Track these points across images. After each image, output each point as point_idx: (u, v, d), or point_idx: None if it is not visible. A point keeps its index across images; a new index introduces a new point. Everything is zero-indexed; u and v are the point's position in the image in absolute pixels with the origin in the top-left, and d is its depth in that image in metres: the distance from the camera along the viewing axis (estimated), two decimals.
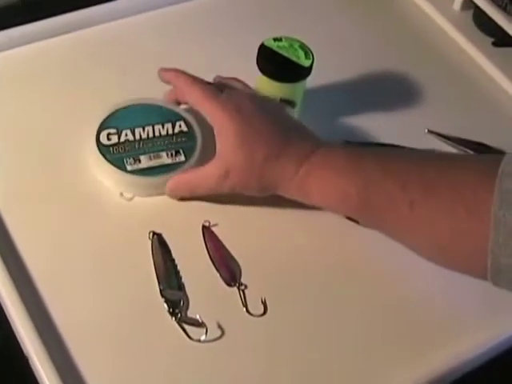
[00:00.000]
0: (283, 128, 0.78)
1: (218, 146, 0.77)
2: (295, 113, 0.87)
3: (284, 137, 0.77)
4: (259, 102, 0.80)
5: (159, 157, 0.80)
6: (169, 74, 0.82)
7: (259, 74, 0.84)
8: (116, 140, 0.81)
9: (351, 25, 1.03)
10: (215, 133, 0.77)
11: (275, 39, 0.84)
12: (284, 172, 0.75)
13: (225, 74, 0.85)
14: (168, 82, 0.83)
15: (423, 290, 0.78)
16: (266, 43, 0.84)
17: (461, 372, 0.74)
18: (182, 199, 0.81)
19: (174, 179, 0.79)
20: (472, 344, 0.74)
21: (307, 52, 0.84)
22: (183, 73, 0.81)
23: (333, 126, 0.89)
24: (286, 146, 0.76)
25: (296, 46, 0.84)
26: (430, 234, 0.71)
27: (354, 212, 0.76)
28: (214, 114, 0.77)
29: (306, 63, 0.83)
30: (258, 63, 0.84)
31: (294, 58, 0.83)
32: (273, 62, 0.83)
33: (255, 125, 0.77)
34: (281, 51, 0.84)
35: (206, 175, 0.78)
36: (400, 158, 0.75)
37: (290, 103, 0.86)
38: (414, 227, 0.71)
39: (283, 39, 0.85)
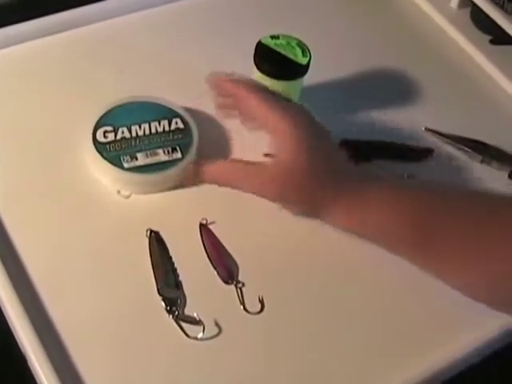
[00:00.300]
0: (336, 149, 0.77)
1: (279, 151, 0.73)
2: None
3: (345, 164, 0.75)
4: (314, 119, 0.77)
5: (156, 154, 0.80)
6: (226, 84, 0.79)
7: (256, 71, 0.84)
8: (112, 137, 0.81)
9: (349, 23, 1.03)
10: (278, 138, 0.74)
11: (272, 37, 0.84)
12: (340, 195, 0.73)
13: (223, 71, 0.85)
14: (217, 89, 0.80)
15: (421, 289, 0.78)
16: (263, 41, 0.84)
17: (457, 370, 0.74)
18: (181, 197, 0.81)
19: (217, 166, 0.76)
20: (467, 342, 0.74)
21: (304, 50, 0.84)
22: (239, 81, 0.79)
23: (330, 124, 0.88)
24: (348, 173, 0.74)
25: (293, 43, 0.84)
26: (483, 272, 0.70)
27: (407, 248, 0.73)
28: (281, 120, 0.74)
29: (304, 61, 0.83)
30: (255, 61, 0.84)
31: (291, 56, 0.83)
32: (270, 60, 0.83)
33: (322, 141, 0.75)
34: (278, 49, 0.84)
35: (262, 174, 0.74)
36: (451, 193, 0.74)
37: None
38: (466, 264, 0.71)
39: (280, 37, 0.84)
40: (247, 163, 0.76)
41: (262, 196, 0.75)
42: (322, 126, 0.77)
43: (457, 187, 0.77)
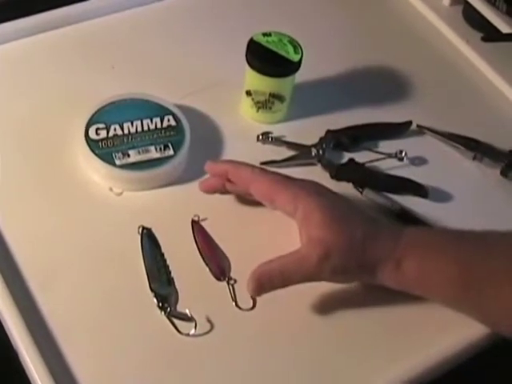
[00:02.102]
0: (366, 211, 0.75)
1: (309, 230, 0.71)
2: (284, 107, 0.87)
3: (371, 217, 0.74)
4: (326, 189, 0.75)
5: (148, 151, 0.80)
6: (225, 166, 0.77)
7: (248, 69, 0.84)
8: (105, 135, 0.81)
9: (342, 20, 1.03)
10: (299, 220, 0.72)
11: (264, 34, 0.85)
12: (383, 249, 0.71)
13: (214, 69, 0.85)
14: (220, 175, 0.77)
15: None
16: (255, 38, 0.84)
17: (439, 373, 0.74)
18: (173, 194, 0.81)
19: (264, 270, 0.72)
20: (457, 340, 0.75)
21: (296, 47, 0.84)
22: (241, 163, 0.76)
23: (322, 120, 0.89)
24: (378, 225, 0.73)
25: (285, 40, 0.84)
26: None
27: (455, 291, 0.71)
28: (296, 200, 0.72)
29: (296, 58, 0.83)
30: (247, 58, 0.84)
31: (283, 53, 0.83)
32: (262, 57, 0.83)
33: (344, 206, 0.73)
34: (270, 46, 0.84)
35: (303, 259, 0.71)
36: (494, 236, 0.73)
37: (279, 98, 0.86)
38: None
39: (272, 34, 0.85)
40: (290, 256, 0.72)
41: (316, 280, 0.72)
42: (335, 193, 0.75)
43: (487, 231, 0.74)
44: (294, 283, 0.71)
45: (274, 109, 0.87)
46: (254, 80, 0.85)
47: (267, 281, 0.72)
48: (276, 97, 0.85)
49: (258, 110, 0.87)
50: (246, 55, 0.84)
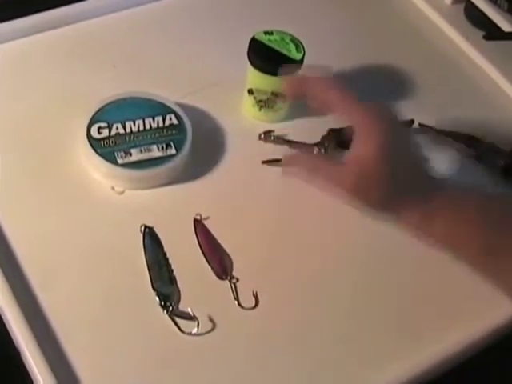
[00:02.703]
0: (414, 153, 0.75)
1: (360, 147, 0.72)
2: (286, 106, 0.87)
3: (423, 170, 0.74)
4: (396, 119, 0.76)
5: (150, 150, 0.80)
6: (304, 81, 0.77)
7: (250, 67, 0.84)
8: (107, 133, 0.81)
9: (343, 19, 1.02)
10: (360, 134, 0.72)
11: (266, 33, 0.84)
12: (413, 199, 0.72)
13: (216, 68, 0.85)
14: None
15: (414, 284, 0.78)
16: (256, 37, 0.84)
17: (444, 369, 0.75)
18: (175, 193, 0.81)
19: (302, 156, 0.78)
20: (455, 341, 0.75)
21: (298, 45, 0.84)
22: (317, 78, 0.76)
23: (324, 119, 0.89)
24: (424, 178, 0.73)
25: (287, 39, 0.84)
26: None
27: (478, 249, 0.72)
28: (366, 114, 0.73)
29: (298, 56, 0.83)
30: (249, 57, 0.84)
31: (285, 52, 0.83)
32: (264, 56, 0.83)
33: (403, 146, 0.74)
34: (272, 45, 0.84)
35: (339, 167, 0.73)
36: None
37: (281, 96, 0.85)
38: None
39: (274, 33, 0.85)
40: (326, 159, 0.76)
41: (338, 187, 0.73)
42: (402, 126, 0.76)
43: None
44: (316, 181, 0.75)
45: (276, 107, 0.87)
46: (255, 79, 0.85)
47: (299, 162, 0.77)
48: (278, 95, 0.85)
49: (260, 109, 0.87)
50: (248, 54, 0.84)
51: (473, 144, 0.89)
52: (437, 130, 0.90)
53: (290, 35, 0.85)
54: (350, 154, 0.73)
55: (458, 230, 0.72)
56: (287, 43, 0.84)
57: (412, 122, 0.89)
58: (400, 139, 0.74)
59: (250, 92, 0.86)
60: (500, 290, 0.73)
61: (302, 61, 0.83)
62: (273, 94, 0.85)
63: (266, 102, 0.86)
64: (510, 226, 0.72)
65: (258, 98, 0.86)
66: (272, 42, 0.84)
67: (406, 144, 0.75)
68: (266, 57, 0.83)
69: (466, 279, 0.76)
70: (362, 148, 0.72)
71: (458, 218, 0.72)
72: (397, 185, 0.72)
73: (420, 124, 0.90)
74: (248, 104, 0.88)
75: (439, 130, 0.90)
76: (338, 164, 0.74)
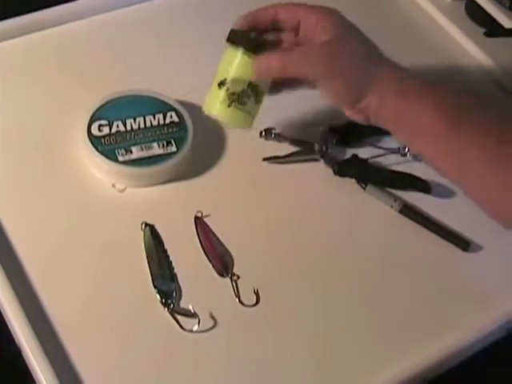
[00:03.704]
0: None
1: (322, 36, 0.75)
2: (255, 110, 0.79)
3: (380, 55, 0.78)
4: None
5: (151, 147, 0.80)
6: (266, 10, 0.78)
7: (228, 51, 0.77)
8: (107, 131, 0.81)
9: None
10: (319, 29, 0.75)
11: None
12: (387, 70, 0.76)
13: (216, 66, 0.85)
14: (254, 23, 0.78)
15: (414, 285, 0.78)
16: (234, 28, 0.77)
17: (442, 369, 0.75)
18: (176, 191, 0.81)
19: (267, 56, 0.75)
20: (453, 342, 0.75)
21: None
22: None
23: (325, 116, 0.89)
24: (383, 59, 0.78)
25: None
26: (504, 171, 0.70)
27: (443, 124, 0.73)
28: (320, 12, 0.77)
29: None
30: (229, 36, 0.76)
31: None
32: (247, 37, 0.76)
33: (358, 34, 0.78)
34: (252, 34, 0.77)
35: (309, 51, 0.75)
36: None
37: (256, 92, 0.77)
38: (498, 163, 0.71)
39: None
40: (291, 50, 0.76)
41: (310, 74, 0.75)
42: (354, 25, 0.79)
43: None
44: (291, 73, 0.75)
45: (247, 108, 0.77)
46: (234, 63, 0.76)
47: (267, 65, 0.75)
48: (254, 90, 0.77)
49: (229, 105, 0.76)
50: (228, 37, 0.76)
51: None
52: None
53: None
54: (314, 42, 0.75)
55: (425, 103, 0.73)
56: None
57: None
58: (352, 26, 0.78)
59: (222, 84, 0.76)
60: (456, 170, 0.74)
61: None
62: (250, 85, 0.77)
63: (239, 96, 0.77)
64: (476, 104, 0.74)
65: (232, 89, 0.76)
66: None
67: (351, 24, 0.79)
68: (249, 38, 0.76)
69: (459, 282, 0.78)
70: (323, 35, 0.75)
71: (425, 93, 0.74)
72: (370, 58, 0.76)
73: None
74: (214, 100, 0.77)
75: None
76: (306, 48, 0.76)
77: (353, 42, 0.76)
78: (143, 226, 0.77)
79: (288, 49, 0.77)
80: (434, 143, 0.74)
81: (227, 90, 0.76)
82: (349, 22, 0.78)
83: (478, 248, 0.81)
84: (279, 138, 0.87)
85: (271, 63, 0.75)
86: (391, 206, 0.83)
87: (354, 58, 0.75)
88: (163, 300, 0.73)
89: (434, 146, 0.74)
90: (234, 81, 0.76)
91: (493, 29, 1.01)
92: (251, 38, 0.76)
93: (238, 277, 0.75)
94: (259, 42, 0.76)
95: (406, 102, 0.73)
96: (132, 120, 0.82)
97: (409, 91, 0.74)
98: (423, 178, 0.84)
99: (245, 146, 0.86)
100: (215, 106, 0.77)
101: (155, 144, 0.81)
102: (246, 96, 0.76)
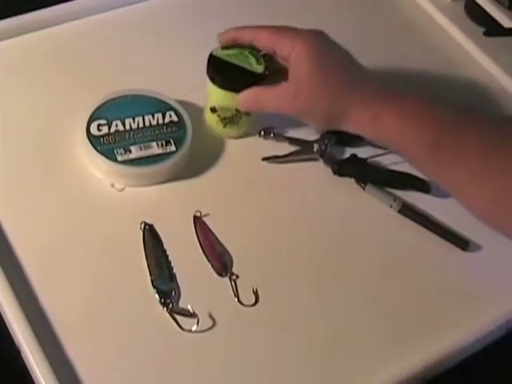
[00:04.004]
0: (355, 64, 0.80)
1: (294, 70, 0.77)
2: (249, 119, 0.85)
3: (358, 71, 0.79)
4: (329, 39, 0.80)
5: (150, 147, 0.80)
6: (229, 33, 0.82)
7: (210, 84, 0.82)
8: (106, 131, 0.81)
9: (342, 15, 1.02)
10: (292, 59, 0.77)
11: (224, 47, 0.82)
12: (357, 103, 0.76)
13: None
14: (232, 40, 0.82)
15: (413, 286, 0.78)
16: (214, 53, 0.81)
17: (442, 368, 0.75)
18: (175, 190, 0.81)
19: (245, 93, 0.80)
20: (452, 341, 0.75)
21: (258, 58, 0.81)
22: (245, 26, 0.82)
23: None
24: (362, 80, 0.78)
25: (246, 52, 0.81)
26: (498, 185, 0.72)
27: (426, 149, 0.75)
28: (294, 40, 0.77)
29: (259, 69, 0.81)
30: (208, 74, 0.81)
31: (245, 66, 0.81)
32: (225, 72, 0.81)
33: (333, 56, 0.78)
34: (231, 59, 0.81)
35: (276, 93, 0.79)
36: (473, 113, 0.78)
37: (246, 112, 0.83)
38: (482, 177, 0.72)
39: (231, 46, 0.81)
40: (269, 88, 0.80)
41: (285, 113, 0.79)
42: (334, 42, 0.80)
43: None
44: (266, 111, 0.81)
45: (241, 122, 0.84)
46: (218, 96, 0.82)
47: (245, 102, 0.81)
48: (243, 111, 0.83)
49: (224, 126, 0.85)
50: (208, 71, 0.81)
51: None
52: None
53: (249, 48, 0.81)
54: (289, 79, 0.78)
55: (406, 127, 0.75)
56: (246, 56, 0.81)
57: None
58: (331, 53, 0.79)
59: (214, 110, 0.83)
60: (446, 187, 0.76)
61: (263, 73, 0.81)
62: (237, 110, 0.83)
63: (230, 119, 0.84)
64: (457, 121, 0.75)
65: (222, 115, 0.83)
66: (231, 56, 0.81)
67: (339, 54, 0.79)
68: (227, 73, 0.80)
69: (458, 281, 0.78)
70: (296, 71, 0.77)
71: (406, 115, 0.75)
72: (339, 89, 0.77)
73: None
74: (212, 121, 0.85)
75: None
76: (279, 88, 0.79)
77: (327, 75, 0.77)
78: (142, 225, 0.77)
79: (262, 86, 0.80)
80: (420, 163, 0.77)
81: (218, 115, 0.84)
82: (326, 47, 0.79)
83: (477, 247, 0.81)
84: (278, 137, 0.87)
85: (248, 104, 0.81)
86: (390, 206, 0.83)
87: (327, 91, 0.77)
88: (162, 300, 0.72)
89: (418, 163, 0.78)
90: (222, 109, 0.83)
91: (492, 28, 1.01)
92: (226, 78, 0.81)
93: (237, 276, 0.75)
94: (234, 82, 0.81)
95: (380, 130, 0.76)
96: (131, 119, 0.82)
97: (385, 119, 0.76)
98: (422, 177, 0.84)
99: (244, 146, 0.86)
100: (212, 125, 0.86)
101: (154, 143, 0.80)
102: (237, 117, 0.84)
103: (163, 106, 0.83)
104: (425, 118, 0.75)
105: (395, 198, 0.83)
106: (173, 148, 0.81)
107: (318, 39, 0.78)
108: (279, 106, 0.79)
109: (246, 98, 0.80)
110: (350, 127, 0.78)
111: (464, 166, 0.73)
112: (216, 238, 0.78)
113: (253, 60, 0.81)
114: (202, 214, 0.79)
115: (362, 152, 0.86)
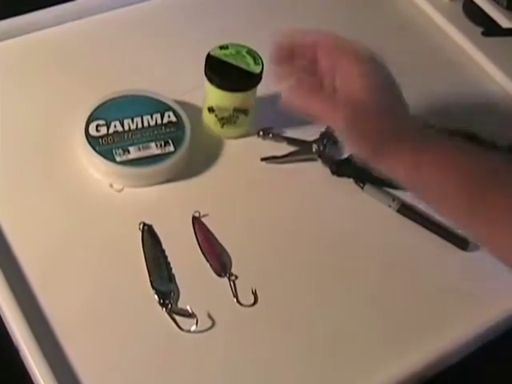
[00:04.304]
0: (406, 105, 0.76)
1: (351, 87, 0.71)
2: (248, 120, 0.85)
3: (414, 118, 0.75)
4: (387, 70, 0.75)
5: (148, 147, 0.80)
6: (305, 38, 0.75)
7: (208, 84, 0.82)
8: (105, 131, 0.81)
9: (340, 15, 1.02)
10: (349, 77, 0.72)
11: (221, 47, 0.82)
12: (405, 143, 0.72)
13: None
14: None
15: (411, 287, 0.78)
16: (212, 53, 0.82)
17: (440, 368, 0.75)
18: (174, 191, 0.81)
19: (294, 93, 0.73)
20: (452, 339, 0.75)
21: (256, 57, 0.81)
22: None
23: None
24: (416, 124, 0.74)
25: (243, 52, 0.82)
26: None
27: (468, 199, 0.73)
28: (358, 58, 0.73)
29: (257, 69, 0.81)
30: (206, 75, 0.81)
31: (243, 66, 0.81)
32: (222, 72, 0.81)
33: (396, 91, 0.75)
34: (229, 59, 0.81)
35: (331, 105, 0.72)
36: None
37: (243, 111, 0.84)
38: None
39: (229, 46, 0.82)
40: (319, 95, 0.73)
41: (332, 125, 0.75)
42: (393, 79, 0.75)
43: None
44: (311, 114, 0.72)
45: (239, 122, 0.85)
46: (215, 96, 0.82)
47: (292, 102, 0.72)
48: (240, 111, 0.83)
49: (222, 126, 0.85)
50: (205, 71, 0.81)
51: (471, 140, 0.89)
52: (434, 126, 0.90)
53: (246, 47, 0.82)
54: (341, 94, 0.72)
55: (446, 177, 0.72)
56: (244, 56, 0.81)
57: None
58: (389, 85, 0.74)
59: (211, 110, 0.84)
60: (487, 239, 0.74)
61: (261, 73, 0.81)
62: (235, 109, 0.83)
63: (228, 119, 0.84)
64: (496, 174, 0.73)
65: (220, 115, 0.84)
66: (228, 56, 0.81)
67: (395, 91, 0.75)
68: (224, 73, 0.81)
69: (458, 281, 0.78)
70: (352, 86, 0.71)
71: (447, 165, 0.72)
72: (389, 122, 0.72)
73: None
74: (209, 121, 0.85)
75: (437, 126, 0.90)
76: (332, 101, 0.72)
77: (380, 101, 0.72)
78: (141, 225, 0.77)
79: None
80: (456, 212, 0.74)
81: (216, 115, 0.84)
82: (382, 67, 0.74)
83: (477, 248, 0.81)
84: (277, 137, 0.87)
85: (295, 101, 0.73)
86: (389, 206, 0.83)
87: (382, 119, 0.72)
88: (161, 300, 0.72)
89: (457, 214, 0.74)
90: (220, 109, 0.83)
91: (490, 28, 1.01)
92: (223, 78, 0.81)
93: (236, 277, 0.75)
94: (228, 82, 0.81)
95: (422, 175, 0.72)
96: (129, 120, 0.82)
97: (427, 167, 0.72)
98: None
99: (242, 146, 0.86)
100: (211, 126, 0.85)
101: (153, 144, 0.80)
102: (234, 117, 0.84)
103: (162, 107, 0.83)
104: (467, 169, 0.73)
105: (394, 197, 0.83)
106: (171, 148, 0.81)
107: (378, 66, 0.74)
108: (329, 117, 0.73)
109: (294, 99, 0.73)
110: (390, 165, 0.73)
111: (505, 217, 0.71)
112: (215, 239, 0.78)
113: (250, 60, 0.81)
114: (201, 214, 0.79)
115: None
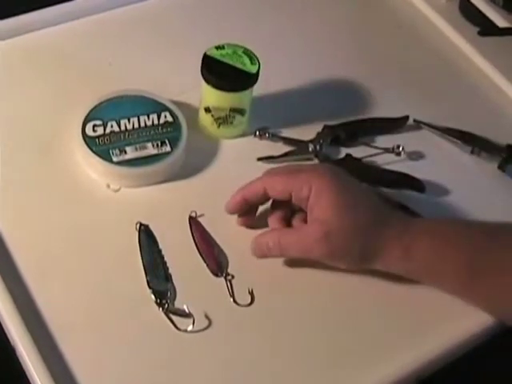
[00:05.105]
0: (378, 198, 0.76)
1: (317, 210, 0.72)
2: (245, 120, 0.85)
3: (383, 206, 0.75)
4: (342, 171, 0.77)
5: (145, 147, 0.80)
6: (238, 196, 0.77)
7: (204, 84, 0.82)
8: (102, 131, 0.81)
9: (337, 15, 1.02)
10: (312, 198, 0.73)
11: (218, 47, 0.82)
12: (389, 238, 0.72)
13: None
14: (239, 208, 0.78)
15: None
16: (208, 53, 0.81)
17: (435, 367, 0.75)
18: (170, 191, 0.81)
19: (263, 239, 0.75)
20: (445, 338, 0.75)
21: (252, 57, 0.81)
22: (250, 183, 0.77)
23: (319, 115, 0.89)
24: (388, 213, 0.74)
25: (240, 52, 0.82)
26: None
27: (462, 279, 0.73)
28: (311, 179, 0.73)
29: (253, 69, 0.81)
30: (202, 74, 0.81)
31: (239, 66, 0.81)
32: (218, 72, 0.81)
33: (355, 191, 0.75)
34: (225, 59, 0.81)
35: (304, 237, 0.73)
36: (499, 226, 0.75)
37: (240, 111, 0.84)
38: None
39: (226, 46, 0.82)
40: (293, 231, 0.76)
41: (311, 257, 0.74)
42: (349, 177, 0.76)
43: (498, 223, 0.76)
44: (290, 256, 0.75)
45: (236, 122, 0.84)
46: (212, 96, 0.82)
47: (265, 248, 0.75)
48: (237, 111, 0.83)
49: (219, 126, 0.85)
50: (202, 71, 0.81)
51: (468, 140, 0.89)
52: (432, 126, 0.90)
53: (243, 47, 0.82)
54: (310, 222, 0.74)
55: (438, 258, 0.72)
56: (240, 56, 0.81)
57: (407, 118, 0.90)
58: (351, 191, 0.74)
59: (208, 110, 0.84)
60: (492, 313, 0.74)
61: (257, 73, 0.81)
62: (231, 110, 0.83)
63: (224, 119, 0.84)
64: (490, 240, 0.73)
65: (216, 115, 0.83)
66: (225, 56, 0.81)
67: (358, 193, 0.75)
68: (221, 73, 0.80)
69: None
70: (319, 210, 0.72)
71: (438, 244, 0.73)
72: (369, 227, 0.72)
73: (415, 120, 0.90)
74: (206, 121, 0.85)
75: (435, 126, 0.90)
76: (302, 233, 0.74)
77: (355, 213, 0.72)
78: (138, 225, 0.77)
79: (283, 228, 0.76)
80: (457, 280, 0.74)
81: (212, 115, 0.84)
82: (344, 179, 0.75)
83: None
84: (274, 137, 0.87)
85: (270, 251, 0.75)
86: None
87: (358, 230, 0.72)
88: (158, 300, 0.72)
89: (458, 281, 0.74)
90: (216, 109, 0.83)
91: (487, 28, 1.01)
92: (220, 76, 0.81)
93: (233, 276, 0.75)
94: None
95: (414, 258, 0.72)
96: (126, 120, 0.82)
97: (418, 248, 0.72)
98: (417, 177, 0.84)
99: (239, 146, 0.86)
100: (207, 127, 0.85)
101: (149, 144, 0.81)
102: (230, 117, 0.84)
103: (158, 107, 0.83)
104: (456, 246, 0.73)
105: (390, 197, 0.83)
106: (168, 148, 0.81)
107: (333, 172, 0.75)
108: (306, 250, 0.73)
109: (265, 245, 0.75)
110: (383, 264, 0.73)
111: (504, 288, 0.71)
112: (211, 238, 0.78)
113: (247, 60, 0.81)
114: (198, 214, 0.79)
115: (357, 152, 0.86)
